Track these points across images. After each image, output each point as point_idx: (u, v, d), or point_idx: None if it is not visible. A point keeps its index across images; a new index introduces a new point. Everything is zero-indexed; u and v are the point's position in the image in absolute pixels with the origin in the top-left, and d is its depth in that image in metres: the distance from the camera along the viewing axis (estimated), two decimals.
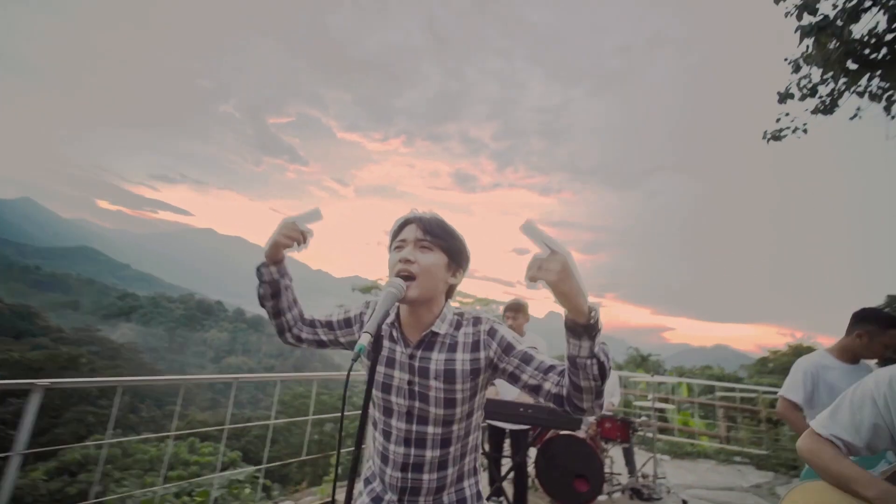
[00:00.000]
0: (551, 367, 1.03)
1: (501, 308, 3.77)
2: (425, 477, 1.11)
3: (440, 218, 1.17)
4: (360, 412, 0.89)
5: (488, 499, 2.95)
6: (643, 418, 4.51)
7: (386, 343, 1.17)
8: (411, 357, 1.13)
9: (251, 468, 5.66)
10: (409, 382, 1.12)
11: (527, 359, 1.07)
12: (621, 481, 4.19)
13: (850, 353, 2.08)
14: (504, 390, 3.22)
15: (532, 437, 3.36)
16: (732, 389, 7.61)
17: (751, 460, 5.89)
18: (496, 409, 2.82)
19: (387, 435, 1.15)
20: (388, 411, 1.15)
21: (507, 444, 3.42)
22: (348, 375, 0.87)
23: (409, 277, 1.07)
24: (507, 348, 1.10)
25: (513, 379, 1.08)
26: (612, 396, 4.63)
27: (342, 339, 1.26)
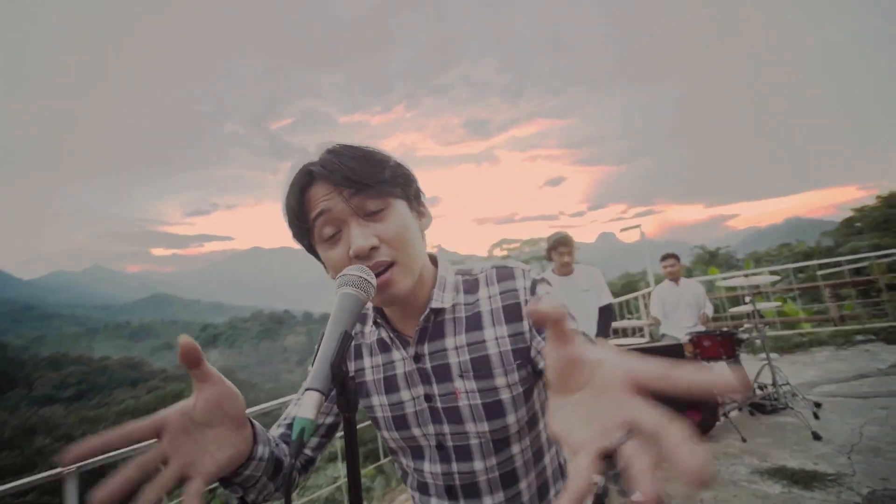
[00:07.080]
0: None
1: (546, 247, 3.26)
2: None
3: (350, 147, 0.66)
4: None
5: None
6: (746, 327, 3.93)
7: (368, 361, 0.78)
8: (417, 358, 0.73)
9: None
10: (428, 398, 0.72)
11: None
12: (735, 399, 3.71)
13: None
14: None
15: None
16: (838, 264, 6.61)
17: (877, 336, 5.16)
18: None
19: (423, 488, 0.77)
20: (416, 451, 0.77)
21: None
22: (289, 475, 0.47)
23: (386, 266, 0.63)
24: None
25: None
26: (704, 308, 4.07)
27: (329, 421, 0.78)
